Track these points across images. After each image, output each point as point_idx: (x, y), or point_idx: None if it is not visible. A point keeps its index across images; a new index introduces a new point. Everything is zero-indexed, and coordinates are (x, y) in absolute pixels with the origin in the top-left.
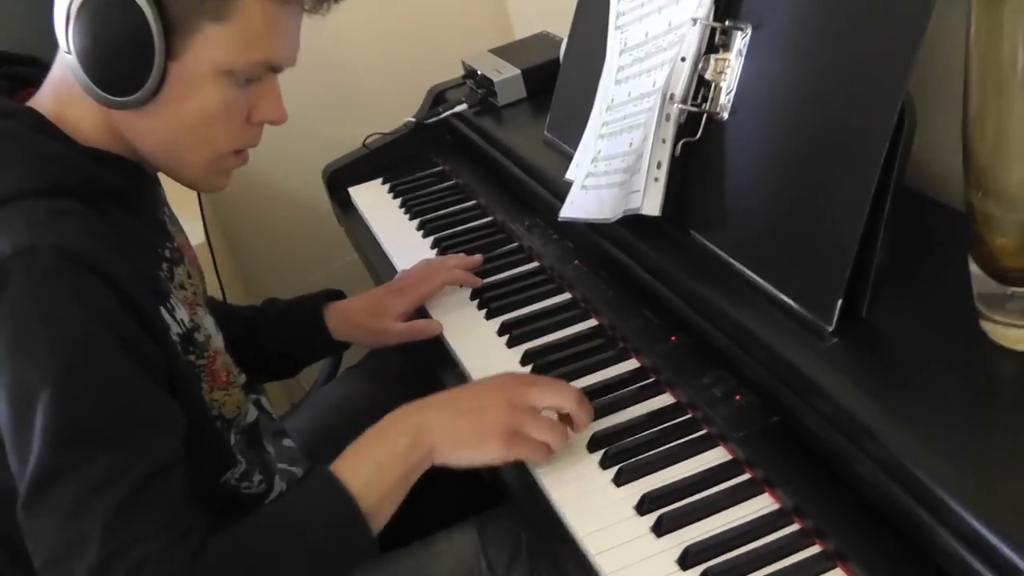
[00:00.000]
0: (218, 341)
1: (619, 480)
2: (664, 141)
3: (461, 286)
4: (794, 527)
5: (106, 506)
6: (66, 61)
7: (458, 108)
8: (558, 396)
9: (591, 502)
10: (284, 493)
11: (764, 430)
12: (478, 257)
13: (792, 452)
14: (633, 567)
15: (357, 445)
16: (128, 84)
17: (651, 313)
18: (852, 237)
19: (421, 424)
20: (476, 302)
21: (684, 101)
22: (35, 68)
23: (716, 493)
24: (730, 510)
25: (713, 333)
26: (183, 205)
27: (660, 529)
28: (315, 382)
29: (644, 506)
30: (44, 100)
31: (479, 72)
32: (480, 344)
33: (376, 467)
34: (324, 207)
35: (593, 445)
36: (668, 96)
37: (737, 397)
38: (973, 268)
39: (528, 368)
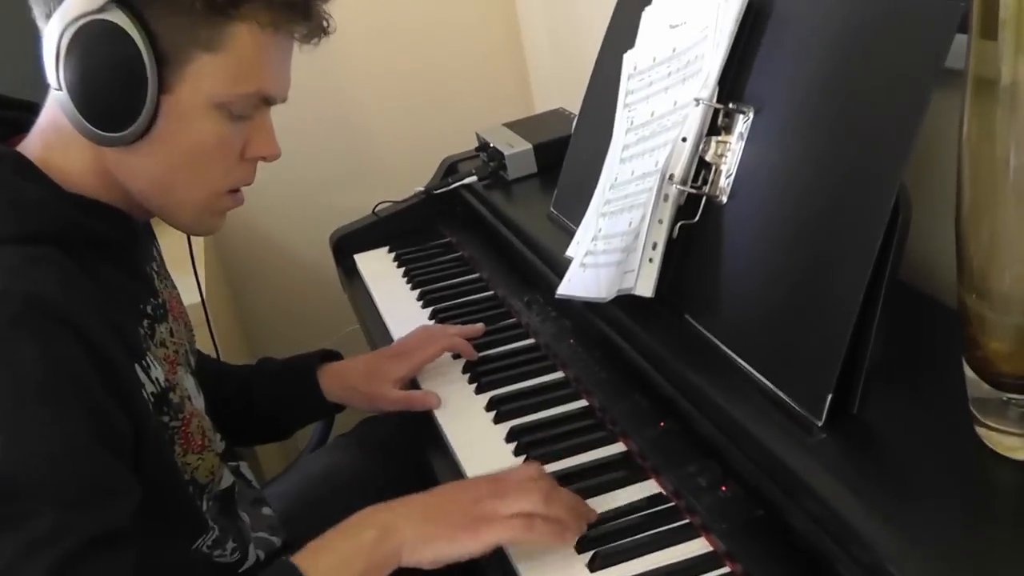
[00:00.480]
0: (198, 403)
1: (594, 565)
2: (661, 222)
3: (457, 357)
4: None
5: (44, 566)
6: (56, 99)
7: (468, 180)
8: (531, 504)
9: None
10: None
11: (748, 523)
12: (479, 326)
13: (775, 548)
14: None
15: (322, 538)
16: (120, 119)
17: (641, 397)
18: (844, 329)
19: (390, 521)
20: (467, 375)
21: (684, 182)
22: (29, 113)
23: None
24: None
25: (701, 421)
26: (181, 263)
27: None
28: (305, 447)
29: None
30: (32, 144)
31: (491, 144)
32: (467, 418)
33: (338, 560)
34: (331, 273)
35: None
36: (668, 176)
37: (723, 488)
38: (968, 372)
39: (512, 446)
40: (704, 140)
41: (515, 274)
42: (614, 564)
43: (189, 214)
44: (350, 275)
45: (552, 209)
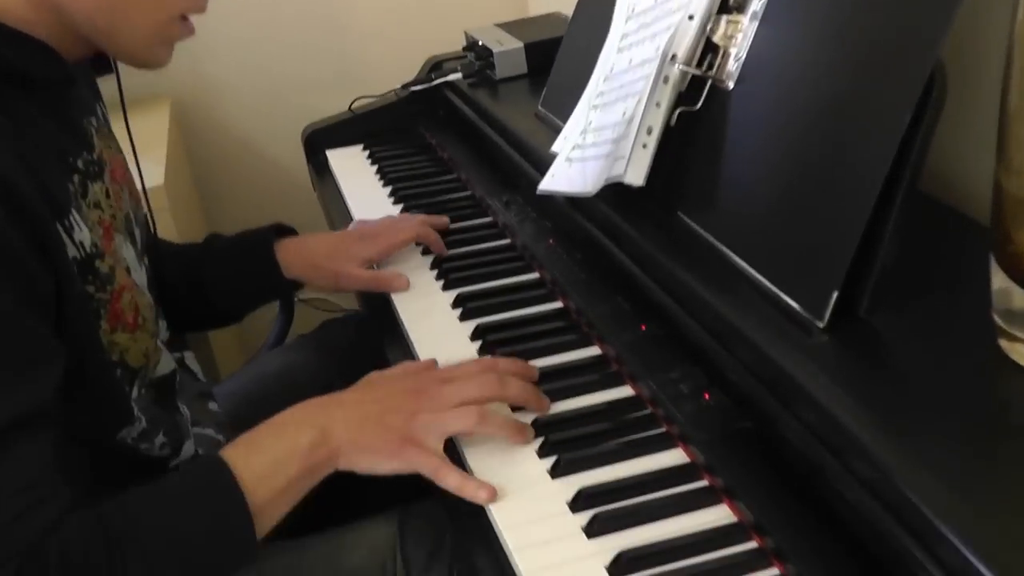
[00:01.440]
0: (138, 278)
1: (555, 471)
2: (659, 105)
3: (425, 253)
4: (751, 544)
5: None
6: None
7: (451, 76)
8: (479, 389)
9: (520, 493)
10: (169, 475)
11: (732, 434)
12: (444, 218)
13: (761, 462)
14: (554, 569)
15: (253, 435)
16: None
17: (624, 299)
18: (858, 220)
19: (326, 424)
20: (435, 272)
21: (687, 64)
22: None
23: (665, 497)
24: (679, 518)
25: (688, 323)
26: (150, 147)
27: (593, 529)
28: (262, 345)
29: (579, 503)
30: None
31: (480, 43)
32: (431, 314)
33: (272, 463)
34: (303, 174)
35: (537, 429)
36: (669, 57)
37: (706, 396)
38: (995, 280)
39: (477, 345)
40: (713, 19)
41: (496, 174)
42: (577, 471)
43: (139, 40)
44: (321, 172)
45: (540, 108)
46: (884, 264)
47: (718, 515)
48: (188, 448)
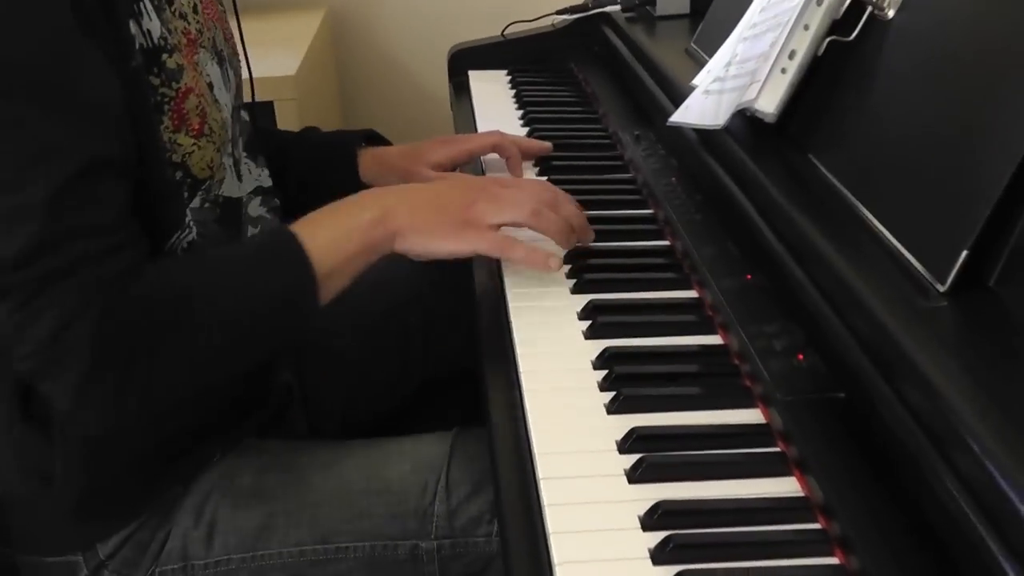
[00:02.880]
0: (220, 96)
1: (612, 406)
2: (807, 28)
3: (539, 170)
4: (815, 525)
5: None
6: None
7: (609, 8)
8: (534, 196)
9: (568, 423)
10: (239, 243)
11: (819, 402)
12: (547, 144)
13: (845, 438)
14: (580, 507)
15: (321, 212)
16: None
17: (734, 244)
18: (998, 181)
19: (387, 205)
20: None
21: None
22: None
23: (727, 455)
24: (737, 481)
25: (796, 274)
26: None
27: (636, 474)
28: None
29: (629, 443)
30: None
31: None
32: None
33: (335, 235)
34: (444, 93)
35: (601, 361)
36: None
37: (799, 356)
38: None
39: (566, 270)
40: None
41: (634, 110)
42: (635, 411)
43: None
44: (459, 92)
45: (692, 44)
46: None
47: (784, 487)
48: None
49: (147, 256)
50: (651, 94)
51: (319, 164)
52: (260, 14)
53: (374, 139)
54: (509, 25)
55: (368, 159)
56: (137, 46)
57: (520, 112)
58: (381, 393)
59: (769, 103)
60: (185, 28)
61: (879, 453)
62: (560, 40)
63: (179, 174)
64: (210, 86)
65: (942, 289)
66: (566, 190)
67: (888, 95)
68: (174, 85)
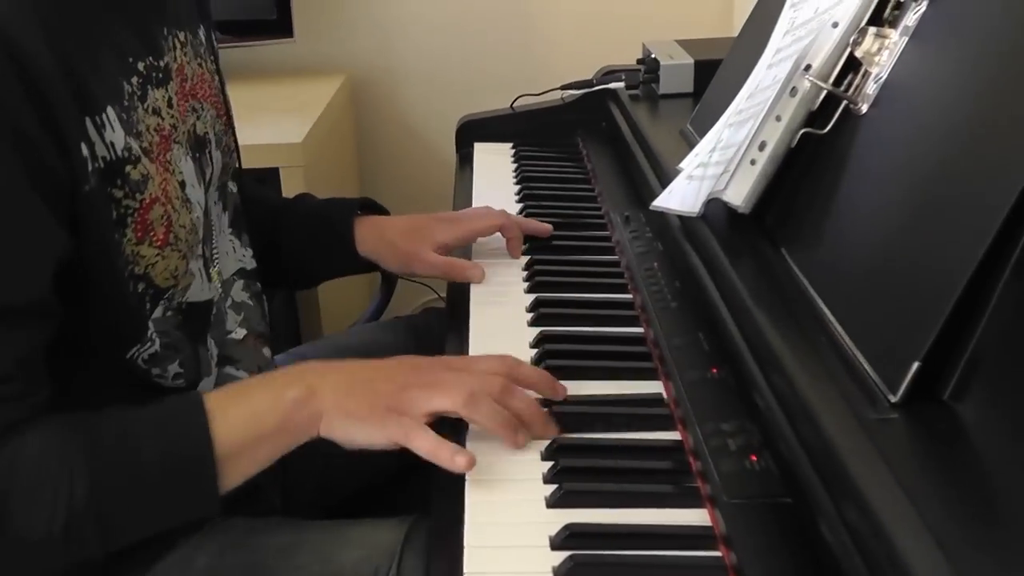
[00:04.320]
0: (192, 194)
1: (552, 500)
2: (779, 119)
3: (525, 248)
4: None
5: None
6: None
7: (613, 85)
8: (480, 383)
9: (504, 516)
10: (149, 404)
11: (765, 507)
12: (547, 226)
13: (789, 549)
14: None
15: (242, 384)
16: None
17: (704, 337)
18: (953, 287)
19: (316, 384)
20: (526, 272)
21: (823, 78)
22: None
23: (664, 558)
24: None
25: (756, 375)
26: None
27: (562, 573)
28: (358, 319)
29: (560, 541)
30: None
31: (652, 55)
32: (501, 311)
33: (251, 412)
34: (451, 158)
35: (550, 453)
36: (803, 66)
37: (753, 457)
38: None
39: (534, 352)
40: (859, 31)
41: (630, 189)
42: (574, 506)
43: None
44: (464, 163)
45: (688, 126)
46: (982, 347)
47: None
48: (206, 385)
49: (42, 408)
50: (644, 175)
51: (311, 234)
52: (279, 78)
53: (370, 207)
54: (518, 97)
55: (366, 230)
56: (91, 168)
57: (518, 188)
58: (360, 469)
59: (737, 195)
60: (159, 125)
61: (817, 567)
62: (568, 115)
63: (141, 286)
64: (182, 185)
65: (893, 400)
66: (550, 270)
67: (856, 193)
68: (138, 196)
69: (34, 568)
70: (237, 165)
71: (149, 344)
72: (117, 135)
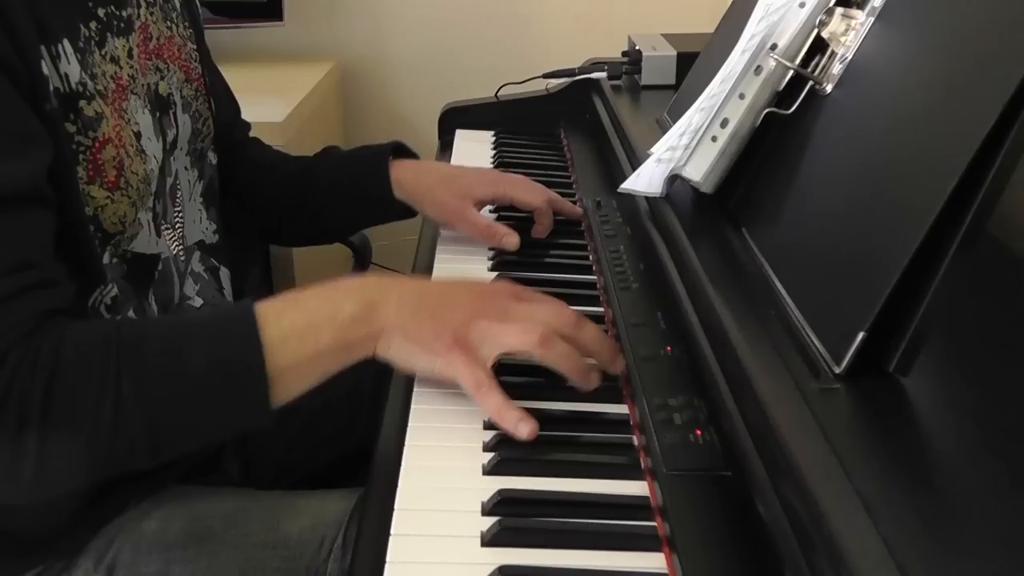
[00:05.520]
0: (148, 147)
1: (489, 467)
2: (742, 97)
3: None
4: None
5: None
6: None
7: (595, 74)
8: (552, 316)
9: (440, 482)
10: (197, 310)
11: (705, 479)
12: (579, 210)
13: (726, 522)
14: (427, 567)
15: (300, 293)
16: None
17: (663, 316)
18: (900, 258)
19: (378, 300)
20: (491, 252)
21: (789, 58)
22: None
23: (592, 526)
24: (597, 552)
25: (705, 350)
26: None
27: (488, 538)
28: None
29: (491, 507)
30: None
31: (636, 47)
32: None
33: (306, 324)
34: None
35: (490, 421)
36: (769, 46)
37: (697, 432)
38: None
39: None
40: (826, 12)
41: (606, 177)
42: (511, 474)
43: None
44: (444, 150)
45: (665, 114)
46: (928, 316)
47: (649, 563)
48: None
49: (68, 295)
50: (619, 161)
51: (346, 179)
52: (268, 62)
53: (401, 151)
54: (503, 86)
55: (403, 172)
56: (51, 89)
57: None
58: (324, 444)
59: (696, 170)
60: (116, 73)
61: (751, 540)
62: (552, 105)
63: (91, 227)
64: (137, 135)
65: (838, 371)
66: (521, 251)
67: (817, 172)
68: (91, 134)
69: (83, 460)
70: (213, 134)
71: (111, 287)
72: (72, 68)
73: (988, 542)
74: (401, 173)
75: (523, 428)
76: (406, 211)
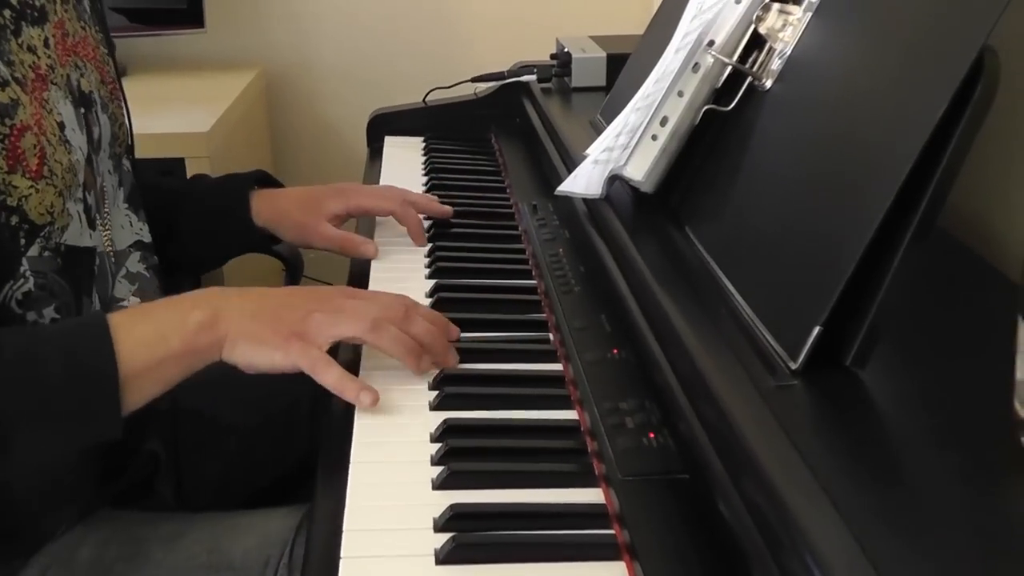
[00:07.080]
0: (72, 138)
1: (438, 482)
2: (681, 95)
3: (429, 236)
4: None
5: None
6: None
7: (525, 77)
8: (382, 310)
9: (388, 500)
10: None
11: (662, 483)
12: (447, 209)
13: (686, 525)
14: None
15: (147, 305)
16: None
17: (607, 319)
18: (852, 253)
19: (221, 307)
20: (428, 259)
21: (727, 55)
22: None
23: (549, 537)
24: (557, 565)
25: (655, 352)
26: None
27: (442, 556)
28: None
29: (443, 522)
30: None
31: (565, 49)
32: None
33: (155, 333)
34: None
35: (439, 434)
36: (706, 43)
37: (651, 435)
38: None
39: None
40: (763, 7)
41: (540, 180)
42: (461, 487)
43: None
44: (374, 157)
45: (598, 116)
46: (884, 309)
47: (611, 572)
48: None
49: None
50: (553, 164)
51: (210, 211)
52: (190, 71)
53: (265, 181)
54: (431, 91)
55: (262, 202)
56: None
57: (426, 179)
58: (263, 464)
59: (637, 170)
60: (34, 62)
61: (715, 543)
62: (481, 110)
63: (14, 219)
64: (60, 126)
65: (794, 367)
66: (452, 256)
67: (759, 167)
68: (7, 121)
69: None
70: (130, 142)
71: (22, 282)
72: None
73: (955, 531)
74: (261, 202)
75: (364, 397)
76: (270, 240)
